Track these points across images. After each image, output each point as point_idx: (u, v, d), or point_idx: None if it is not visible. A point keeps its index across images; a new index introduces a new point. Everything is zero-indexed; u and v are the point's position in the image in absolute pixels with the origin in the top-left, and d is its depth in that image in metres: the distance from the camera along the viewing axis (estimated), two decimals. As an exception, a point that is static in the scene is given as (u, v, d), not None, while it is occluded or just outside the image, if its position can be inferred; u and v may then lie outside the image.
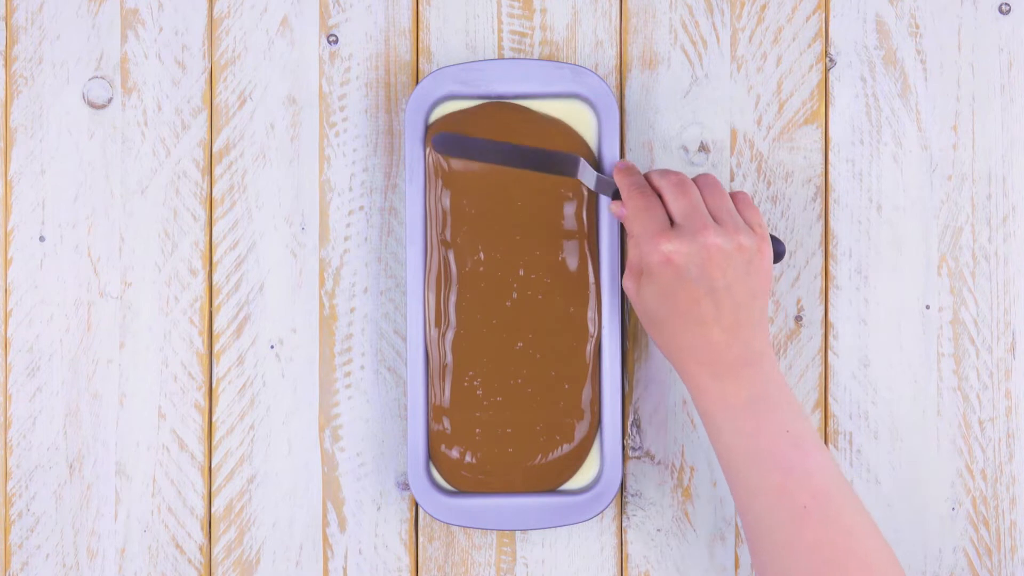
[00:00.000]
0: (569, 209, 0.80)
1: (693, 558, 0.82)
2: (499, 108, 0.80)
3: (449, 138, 0.76)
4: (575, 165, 0.76)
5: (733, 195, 0.76)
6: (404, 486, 0.82)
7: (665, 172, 0.75)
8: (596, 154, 0.80)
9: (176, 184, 0.83)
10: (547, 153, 0.75)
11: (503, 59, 0.81)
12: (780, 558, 0.69)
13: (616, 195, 0.76)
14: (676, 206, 0.73)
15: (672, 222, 0.73)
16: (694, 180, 0.75)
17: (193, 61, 0.83)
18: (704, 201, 0.74)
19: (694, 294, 0.71)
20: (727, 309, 0.71)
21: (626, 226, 0.74)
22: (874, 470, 0.82)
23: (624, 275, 0.74)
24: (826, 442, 0.82)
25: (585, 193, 0.80)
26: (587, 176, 0.76)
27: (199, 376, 0.83)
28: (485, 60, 0.80)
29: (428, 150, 0.80)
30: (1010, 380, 0.82)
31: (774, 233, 0.81)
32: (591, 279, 0.80)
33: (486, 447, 0.79)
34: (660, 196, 0.74)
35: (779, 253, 0.78)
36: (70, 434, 0.82)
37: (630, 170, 0.76)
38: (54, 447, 0.82)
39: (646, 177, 0.76)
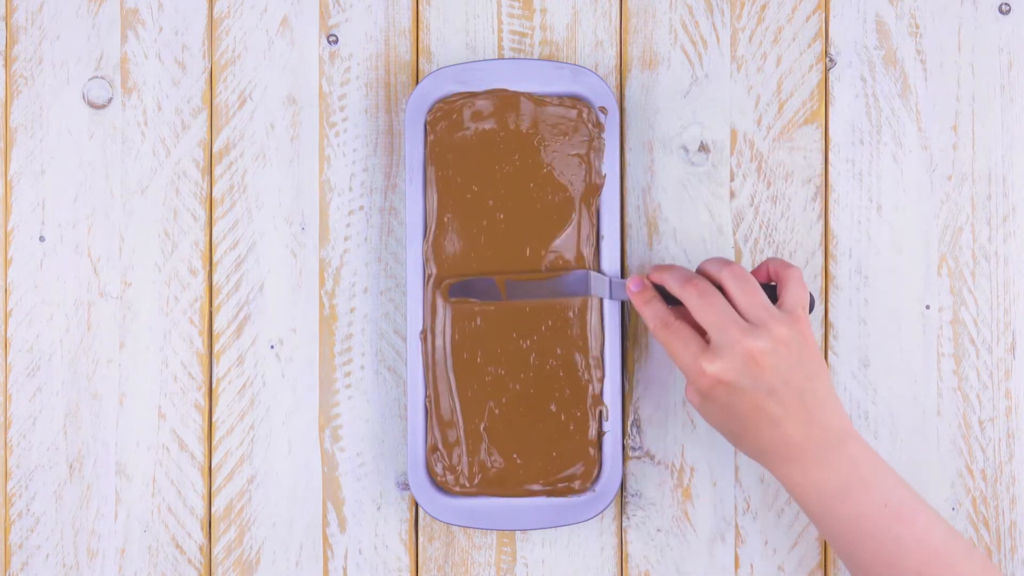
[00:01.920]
0: (570, 208, 0.80)
1: (693, 558, 0.82)
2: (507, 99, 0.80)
3: (460, 286, 0.78)
4: (584, 281, 0.77)
5: (764, 266, 0.75)
6: (404, 486, 0.82)
7: (685, 281, 0.73)
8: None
9: (176, 184, 0.83)
10: (555, 280, 0.77)
11: (503, 59, 0.81)
12: None
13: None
14: (705, 320, 0.72)
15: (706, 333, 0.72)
16: (720, 273, 0.73)
17: (193, 61, 0.83)
18: (732, 300, 0.72)
19: (755, 401, 0.70)
20: (792, 402, 0.70)
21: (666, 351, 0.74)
22: (874, 470, 0.82)
23: (686, 391, 0.73)
24: (826, 442, 0.82)
25: (589, 195, 0.80)
26: (600, 288, 0.77)
27: (199, 376, 0.83)
28: (485, 60, 0.80)
29: (426, 152, 0.80)
30: (1010, 380, 0.82)
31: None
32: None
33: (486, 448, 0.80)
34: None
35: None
36: (70, 434, 0.82)
37: (645, 295, 0.75)
38: (54, 447, 0.82)
39: (666, 281, 0.74)
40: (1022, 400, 0.82)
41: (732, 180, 0.82)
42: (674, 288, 0.74)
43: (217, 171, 0.83)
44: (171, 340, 0.83)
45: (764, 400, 0.70)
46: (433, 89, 0.80)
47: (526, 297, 0.78)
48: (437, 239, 0.79)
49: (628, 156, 0.82)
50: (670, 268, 0.75)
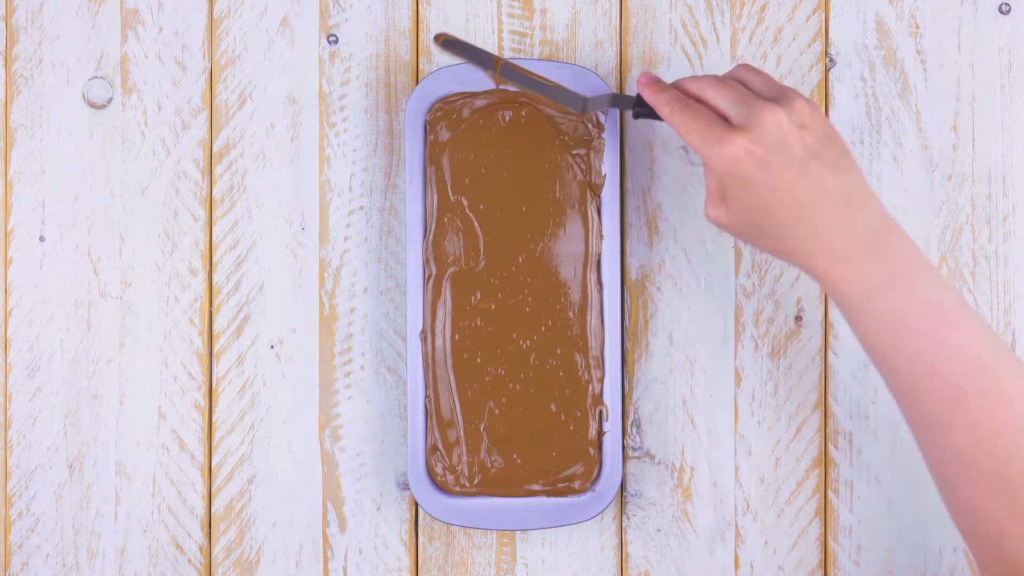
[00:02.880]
0: (570, 208, 0.80)
1: (693, 558, 0.82)
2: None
3: (456, 43, 0.73)
4: (581, 99, 0.73)
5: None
6: (404, 486, 0.82)
7: (694, 77, 0.71)
8: (598, 156, 0.80)
9: (176, 184, 0.83)
10: (554, 89, 0.73)
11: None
12: (939, 438, 0.66)
13: (634, 106, 0.73)
14: (722, 101, 0.68)
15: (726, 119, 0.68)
16: (732, 71, 0.72)
17: (193, 61, 0.83)
18: (749, 85, 0.70)
19: (789, 176, 0.66)
20: (828, 179, 0.66)
21: (683, 138, 0.69)
22: (874, 470, 0.82)
23: (707, 206, 0.69)
24: (825, 442, 0.82)
25: (589, 195, 0.80)
26: (598, 103, 0.73)
27: (199, 376, 0.83)
28: (485, 60, 0.80)
29: (426, 152, 0.80)
30: (1010, 380, 0.82)
31: None
32: (592, 280, 0.80)
33: (487, 448, 0.80)
34: (701, 100, 0.70)
35: None
36: (70, 434, 0.82)
37: (659, 84, 0.72)
38: (54, 447, 0.82)
39: (678, 85, 0.71)
40: (1022, 400, 0.82)
41: (732, 180, 0.82)
42: (689, 84, 0.70)
43: (217, 171, 0.83)
44: (171, 340, 0.83)
45: (798, 174, 0.66)
46: (433, 89, 0.80)
47: (515, 83, 0.74)
48: (437, 239, 0.79)
49: (628, 156, 0.82)
50: (676, 82, 0.72)
